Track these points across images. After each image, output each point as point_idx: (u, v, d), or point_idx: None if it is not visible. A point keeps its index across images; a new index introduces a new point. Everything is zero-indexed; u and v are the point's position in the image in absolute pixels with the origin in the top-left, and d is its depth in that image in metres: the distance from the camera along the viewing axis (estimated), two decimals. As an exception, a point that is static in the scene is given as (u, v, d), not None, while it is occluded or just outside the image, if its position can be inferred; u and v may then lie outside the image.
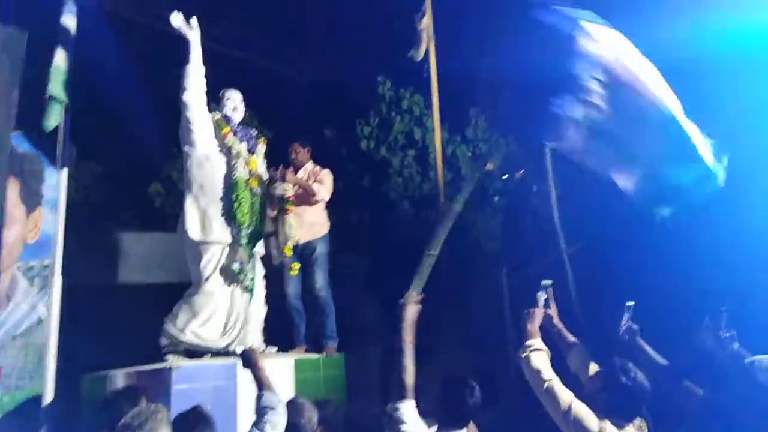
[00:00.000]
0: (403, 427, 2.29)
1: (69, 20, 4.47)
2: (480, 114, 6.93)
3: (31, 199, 4.49)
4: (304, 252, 4.76)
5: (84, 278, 5.11)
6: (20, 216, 4.35)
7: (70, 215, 4.28)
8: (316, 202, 4.79)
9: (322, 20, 7.80)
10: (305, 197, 4.78)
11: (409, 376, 2.35)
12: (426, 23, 6.03)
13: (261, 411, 2.57)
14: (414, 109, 6.95)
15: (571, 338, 2.94)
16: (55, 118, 4.29)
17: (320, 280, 4.69)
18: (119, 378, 3.86)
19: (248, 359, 2.86)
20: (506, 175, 6.76)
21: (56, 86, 4.24)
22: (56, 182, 4.37)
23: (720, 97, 4.63)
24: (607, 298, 5.09)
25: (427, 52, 6.04)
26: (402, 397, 2.34)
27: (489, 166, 6.65)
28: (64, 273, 4.18)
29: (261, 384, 2.73)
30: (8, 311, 4.19)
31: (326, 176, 4.91)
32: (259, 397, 2.64)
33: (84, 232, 5.15)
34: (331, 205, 5.08)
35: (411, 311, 2.53)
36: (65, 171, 4.34)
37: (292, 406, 2.75)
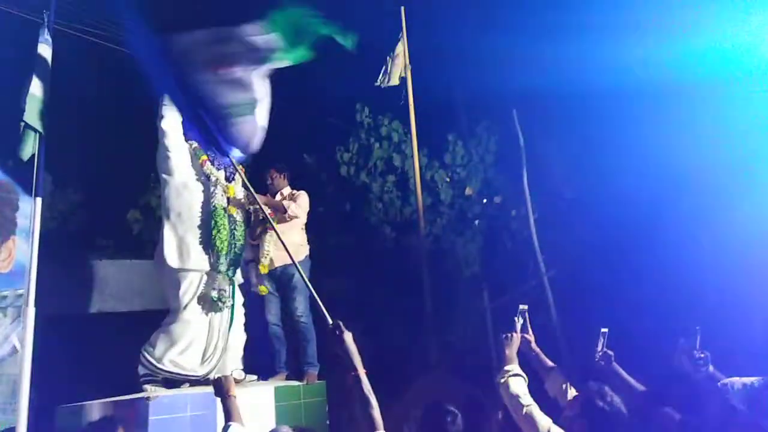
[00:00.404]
0: None
1: (44, 49, 4.49)
2: (458, 139, 7.04)
3: (5, 228, 4.42)
4: (282, 277, 4.68)
5: (59, 308, 5.03)
6: (-7, 245, 4.27)
7: (45, 244, 4.22)
8: (290, 218, 4.67)
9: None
10: (281, 218, 4.69)
11: (375, 410, 2.17)
12: (400, 49, 6.14)
13: None
14: (393, 135, 7.04)
15: (549, 363, 2.96)
16: (30, 146, 4.27)
17: (300, 305, 4.60)
18: (95, 409, 3.77)
19: (220, 388, 2.79)
20: (485, 200, 6.85)
21: (32, 115, 4.23)
22: (31, 211, 4.33)
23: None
24: (585, 322, 5.14)
25: (404, 79, 6.14)
26: (373, 430, 2.21)
27: (468, 191, 6.74)
28: (38, 303, 4.10)
29: (229, 415, 2.70)
30: (-21, 343, 4.09)
31: (301, 196, 4.85)
32: (225, 429, 2.60)
33: (60, 260, 5.08)
34: (311, 230, 5.06)
35: (348, 337, 2.38)
36: (39, 200, 4.30)
37: None
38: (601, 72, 5.28)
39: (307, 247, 4.86)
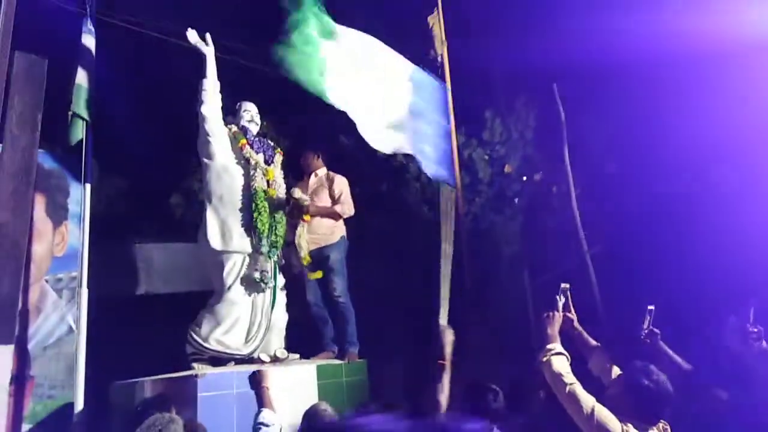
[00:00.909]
0: None
1: (88, 40, 4.62)
2: (496, 116, 6.91)
3: (57, 214, 4.61)
4: (319, 258, 4.74)
5: (110, 289, 5.24)
6: (47, 230, 4.47)
7: (94, 228, 4.40)
8: (341, 217, 4.83)
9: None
10: (327, 213, 4.81)
11: (444, 397, 2.39)
12: (436, 23, 6.03)
13: (256, 427, 2.75)
14: (430, 113, 6.94)
15: (592, 341, 2.92)
16: (78, 134, 4.43)
17: (338, 286, 4.67)
18: (147, 386, 3.93)
19: (254, 380, 3.04)
20: (525, 177, 6.73)
21: (79, 104, 4.38)
22: (80, 197, 4.50)
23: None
24: (630, 300, 5.03)
25: (440, 56, 6.03)
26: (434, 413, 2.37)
27: (507, 169, 6.63)
28: (90, 284, 4.30)
29: (261, 402, 2.85)
30: (38, 323, 4.31)
31: (344, 188, 4.92)
32: (257, 414, 2.75)
33: (108, 244, 5.28)
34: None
35: (449, 334, 2.59)
36: (89, 186, 4.47)
37: (312, 411, 2.80)
38: (644, 42, 5.09)
39: (343, 228, 4.89)
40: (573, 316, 2.98)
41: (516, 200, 6.88)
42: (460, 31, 6.31)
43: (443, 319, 2.70)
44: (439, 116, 5.50)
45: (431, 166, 5.11)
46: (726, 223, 4.67)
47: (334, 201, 4.88)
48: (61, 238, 4.62)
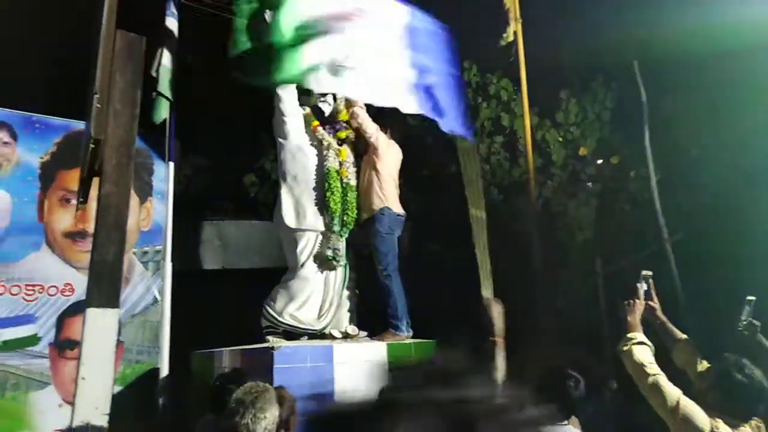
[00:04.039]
0: None
1: (171, 23, 4.80)
2: (571, 96, 6.65)
3: (143, 190, 4.89)
4: (366, 229, 4.53)
5: (189, 263, 5.51)
6: (134, 206, 4.74)
7: (174, 205, 4.63)
8: (375, 152, 4.54)
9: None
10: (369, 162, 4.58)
11: (499, 374, 2.29)
12: (511, 4, 5.85)
13: None
14: (501, 94, 6.79)
15: (678, 332, 2.78)
16: (162, 114, 4.64)
17: (382, 259, 4.39)
18: (225, 356, 4.12)
19: None
20: (601, 160, 6.47)
21: (164, 85, 4.58)
22: (164, 174, 4.74)
23: None
24: (712, 291, 4.76)
25: (514, 35, 5.86)
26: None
27: (582, 151, 6.39)
28: (173, 258, 4.53)
29: None
30: (127, 292, 4.60)
31: (390, 146, 4.67)
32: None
33: (187, 220, 5.54)
34: (414, 191, 5.02)
35: (497, 306, 2.48)
36: (172, 164, 4.68)
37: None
38: (732, 19, 4.74)
39: (388, 200, 4.51)
40: (656, 304, 2.85)
41: (590, 184, 6.62)
42: (535, 5, 6.09)
43: (487, 291, 2.47)
44: (445, 64, 4.72)
45: (446, 121, 4.45)
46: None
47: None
48: (147, 213, 4.91)
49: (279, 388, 2.50)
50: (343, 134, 4.63)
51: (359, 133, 4.65)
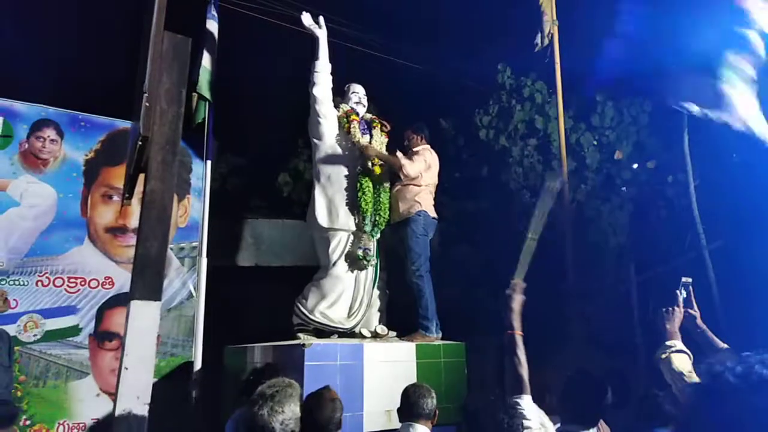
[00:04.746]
0: (525, 422, 2.23)
1: (211, 25, 4.92)
2: (607, 99, 6.55)
3: (181, 188, 5.02)
4: (398, 231, 4.58)
5: (224, 259, 5.63)
6: (173, 203, 4.86)
7: (211, 202, 4.74)
8: (406, 176, 4.51)
9: (440, 9, 7.81)
10: (386, 159, 4.57)
11: (524, 369, 2.22)
12: (547, 6, 5.80)
13: None
14: (536, 96, 6.74)
15: (719, 342, 2.72)
16: (201, 114, 4.77)
17: (413, 261, 4.42)
18: (257, 352, 4.19)
19: None
20: (636, 165, 6.35)
21: (203, 85, 4.70)
22: (202, 173, 4.86)
23: None
24: (754, 301, 4.62)
25: (550, 37, 5.82)
26: (520, 391, 2.22)
27: (617, 155, 6.28)
28: (208, 254, 4.64)
29: None
30: (164, 287, 4.72)
31: (418, 153, 4.64)
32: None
33: (223, 217, 5.66)
34: (446, 194, 5.03)
35: (516, 301, 2.40)
36: (209, 162, 4.80)
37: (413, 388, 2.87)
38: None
39: (423, 203, 4.53)
40: (696, 312, 2.78)
41: (624, 189, 6.51)
42: (570, 7, 6.03)
43: (518, 277, 2.37)
44: None
45: None
46: None
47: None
48: (184, 210, 5.03)
49: (325, 390, 2.54)
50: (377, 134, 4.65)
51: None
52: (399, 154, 4.66)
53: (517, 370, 2.22)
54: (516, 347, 2.22)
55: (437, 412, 2.86)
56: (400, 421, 2.85)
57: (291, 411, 2.09)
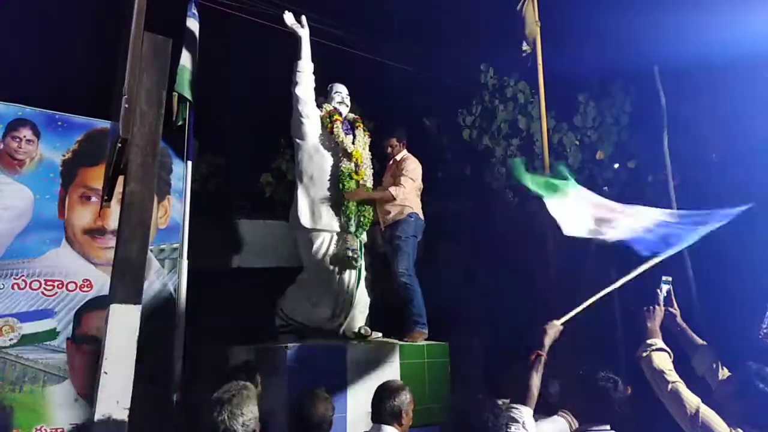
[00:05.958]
0: (513, 425, 2.27)
1: (192, 24, 4.85)
2: (589, 100, 6.61)
3: (161, 189, 4.93)
4: (389, 234, 4.62)
5: (205, 261, 5.55)
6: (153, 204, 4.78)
7: (192, 203, 4.67)
8: (401, 198, 4.59)
9: (424, 10, 7.80)
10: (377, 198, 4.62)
11: (536, 387, 2.38)
12: (529, 3, 5.83)
13: None
14: (518, 96, 6.78)
15: (698, 339, 2.76)
16: (181, 114, 4.69)
17: (401, 263, 4.47)
18: (238, 353, 4.15)
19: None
20: (617, 164, 6.42)
21: (183, 85, 4.63)
22: (182, 173, 4.78)
23: None
24: (732, 299, 4.70)
25: (533, 42, 5.84)
26: (524, 402, 2.35)
27: (599, 155, 6.35)
28: (189, 256, 4.58)
29: None
30: (144, 289, 4.64)
31: (405, 168, 4.70)
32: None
33: (204, 219, 5.58)
34: (429, 194, 5.03)
35: (555, 330, 2.56)
36: (190, 163, 4.73)
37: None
38: (753, 25, 4.70)
39: (413, 207, 4.64)
40: (676, 311, 2.83)
41: (606, 188, 6.57)
42: (553, 10, 6.06)
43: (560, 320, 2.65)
44: None
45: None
46: None
47: (394, 181, 4.68)
48: (165, 211, 4.94)
49: (318, 389, 2.56)
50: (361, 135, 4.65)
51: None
52: (385, 183, 4.79)
53: (532, 383, 2.39)
54: (539, 366, 2.42)
55: (403, 411, 2.72)
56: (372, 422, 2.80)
57: (250, 412, 2.11)
